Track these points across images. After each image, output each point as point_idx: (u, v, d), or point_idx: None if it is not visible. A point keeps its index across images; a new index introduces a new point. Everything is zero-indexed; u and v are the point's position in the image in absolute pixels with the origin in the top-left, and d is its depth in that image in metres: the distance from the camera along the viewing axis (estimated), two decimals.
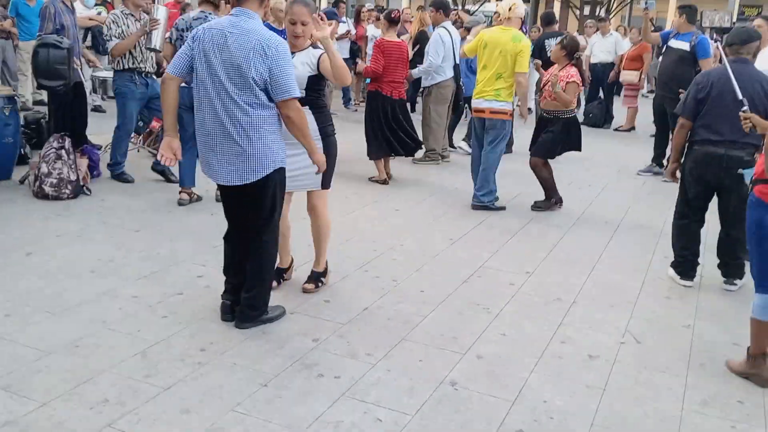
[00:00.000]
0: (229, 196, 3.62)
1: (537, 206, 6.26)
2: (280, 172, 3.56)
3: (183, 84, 3.57)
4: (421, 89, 8.46)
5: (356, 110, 11.56)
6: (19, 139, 6.25)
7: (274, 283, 4.11)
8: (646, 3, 7.29)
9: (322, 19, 3.76)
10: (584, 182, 7.54)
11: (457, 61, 7.73)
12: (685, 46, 7.33)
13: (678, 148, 4.59)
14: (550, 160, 6.28)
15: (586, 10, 26.59)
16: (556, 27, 9.61)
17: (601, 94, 11.54)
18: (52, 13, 6.41)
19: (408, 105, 7.85)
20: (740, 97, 3.77)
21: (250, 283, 3.66)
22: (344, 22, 11.64)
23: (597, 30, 11.75)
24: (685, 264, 4.68)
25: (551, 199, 6.23)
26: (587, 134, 10.92)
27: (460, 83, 7.90)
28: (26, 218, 5.26)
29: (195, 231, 5.22)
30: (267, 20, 8.58)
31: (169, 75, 3.51)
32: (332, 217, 5.73)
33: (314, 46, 3.86)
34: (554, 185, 6.19)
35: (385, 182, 7.03)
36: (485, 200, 6.19)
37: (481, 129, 6.20)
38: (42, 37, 5.97)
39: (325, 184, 4.07)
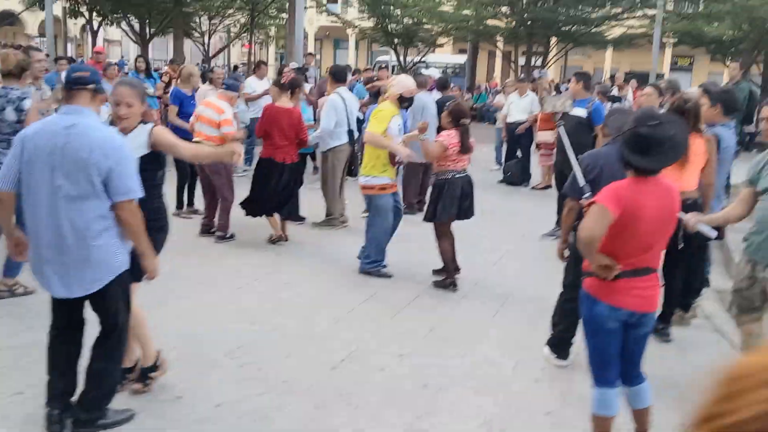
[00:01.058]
0: (67, 304, 3.42)
1: (437, 285, 6.18)
2: (126, 273, 3.42)
3: None
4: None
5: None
6: None
7: (140, 386, 3.92)
8: (540, 72, 7.44)
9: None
10: (486, 247, 7.53)
11: (352, 127, 7.78)
12: (582, 112, 7.48)
13: (567, 229, 4.49)
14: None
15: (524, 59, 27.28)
16: (450, 91, 9.91)
17: (519, 153, 11.69)
18: None
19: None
20: (582, 183, 3.80)
21: (87, 384, 3.48)
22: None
23: (515, 89, 11.96)
24: (562, 343, 4.65)
25: (446, 277, 6.13)
26: (506, 192, 11.12)
27: (355, 149, 7.99)
28: None
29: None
30: (177, 86, 8.55)
31: (3, 192, 3.28)
32: (221, 293, 5.67)
33: (144, 122, 3.75)
34: (450, 262, 6.10)
35: (281, 239, 7.16)
36: (367, 267, 6.29)
37: None
38: None
39: (137, 278, 3.71)
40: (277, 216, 7.20)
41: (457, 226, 6.27)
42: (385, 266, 6.34)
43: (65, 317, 3.47)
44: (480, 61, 39.84)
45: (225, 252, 6.91)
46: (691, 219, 3.88)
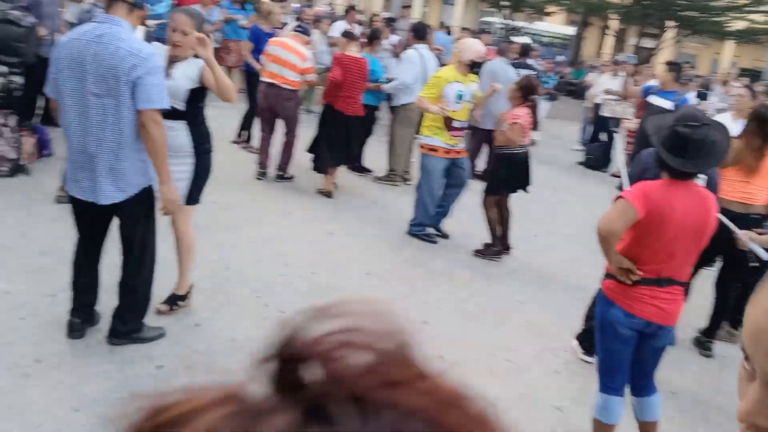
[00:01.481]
0: (94, 213, 3.50)
1: (478, 253, 6.08)
2: (150, 191, 3.50)
3: None
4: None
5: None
6: None
7: (165, 307, 4.07)
8: (627, 56, 7.06)
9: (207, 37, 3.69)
10: (545, 227, 7.33)
11: None
12: (667, 104, 7.09)
13: None
14: (513, 205, 6.13)
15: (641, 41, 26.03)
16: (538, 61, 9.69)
17: (603, 136, 11.24)
18: None
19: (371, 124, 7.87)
20: (626, 187, 3.60)
21: (120, 298, 3.60)
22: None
23: (610, 70, 11.43)
24: (592, 339, 4.48)
25: (492, 246, 6.04)
26: (583, 175, 10.77)
27: None
28: None
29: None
30: (256, 22, 8.57)
31: (53, 99, 3.42)
32: (264, 232, 5.73)
33: (197, 56, 3.79)
34: (496, 230, 6.02)
35: (329, 195, 7.02)
36: (413, 230, 6.26)
37: None
38: (4, 12, 5.99)
39: (191, 199, 3.96)
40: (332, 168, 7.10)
41: (521, 204, 6.15)
42: (427, 231, 6.28)
43: (88, 228, 3.57)
44: (590, 37, 38.35)
45: (280, 192, 6.97)
46: (744, 236, 3.63)
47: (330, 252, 5.58)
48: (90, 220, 3.53)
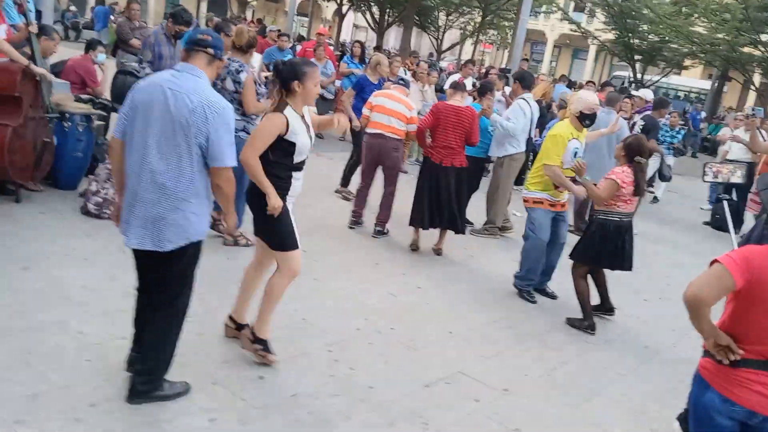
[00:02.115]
0: (141, 258, 3.44)
1: (570, 321, 5.57)
2: (199, 245, 3.40)
3: None
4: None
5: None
6: (91, 154, 6.62)
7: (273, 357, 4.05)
8: (753, 110, 6.43)
9: None
10: (658, 292, 6.72)
11: (533, 135, 7.37)
12: None
13: None
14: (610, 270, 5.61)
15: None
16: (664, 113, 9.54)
17: (734, 195, 10.35)
18: (151, 42, 6.86)
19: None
20: (734, 244, 3.14)
21: (146, 354, 3.47)
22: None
23: (743, 125, 10.59)
24: None
25: (584, 321, 5.47)
26: (708, 236, 9.92)
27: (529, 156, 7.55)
28: (55, 232, 5.53)
29: (202, 274, 5.19)
30: (365, 72, 8.62)
31: (114, 138, 3.36)
32: (348, 284, 5.59)
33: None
34: (588, 304, 5.46)
35: (415, 248, 6.77)
36: (516, 283, 5.99)
37: None
38: (123, 64, 6.34)
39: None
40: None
41: (633, 264, 5.64)
42: (529, 289, 5.93)
43: (142, 274, 3.52)
44: (732, 90, 36.35)
45: (371, 243, 6.81)
46: None
47: (414, 307, 5.33)
48: (142, 262, 3.47)
